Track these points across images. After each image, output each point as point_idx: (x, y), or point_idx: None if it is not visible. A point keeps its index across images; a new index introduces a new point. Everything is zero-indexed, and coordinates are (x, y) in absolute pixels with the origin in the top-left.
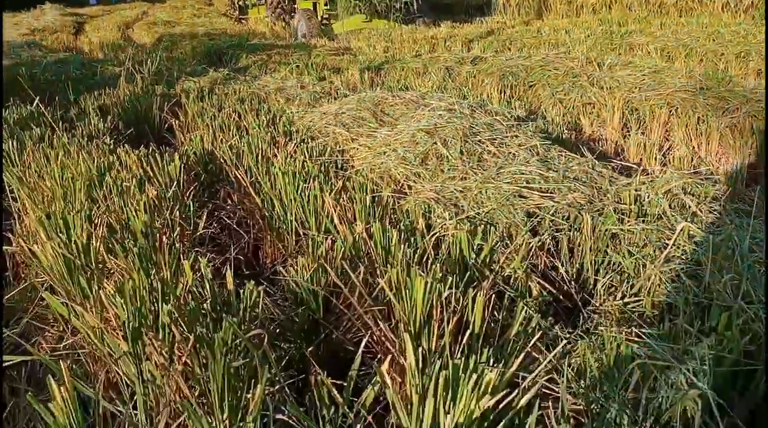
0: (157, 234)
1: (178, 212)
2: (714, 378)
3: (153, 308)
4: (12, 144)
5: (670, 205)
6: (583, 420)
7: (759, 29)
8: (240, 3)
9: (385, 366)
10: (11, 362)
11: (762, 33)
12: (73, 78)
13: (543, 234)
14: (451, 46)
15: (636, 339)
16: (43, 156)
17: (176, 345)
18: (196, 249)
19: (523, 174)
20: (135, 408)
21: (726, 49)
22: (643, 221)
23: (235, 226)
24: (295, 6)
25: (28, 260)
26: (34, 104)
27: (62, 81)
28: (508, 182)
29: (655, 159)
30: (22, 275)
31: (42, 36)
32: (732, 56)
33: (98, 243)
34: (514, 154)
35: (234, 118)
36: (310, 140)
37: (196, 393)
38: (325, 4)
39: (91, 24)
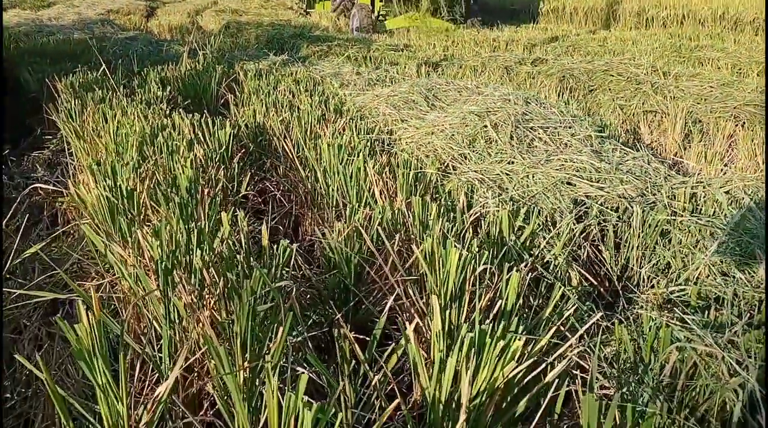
0: (201, 190)
1: (222, 172)
2: (759, 373)
3: (188, 254)
4: (74, 102)
5: (728, 204)
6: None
7: None
8: None
9: (410, 328)
10: (47, 298)
11: None
12: (139, 53)
13: (589, 222)
14: (513, 49)
15: (677, 324)
16: (101, 115)
17: (206, 288)
18: (237, 208)
19: (573, 162)
20: (160, 350)
21: None
22: (698, 218)
23: (279, 196)
24: (355, 1)
25: (78, 213)
26: (100, 71)
27: (129, 56)
28: (557, 169)
29: (716, 168)
30: (72, 231)
31: (115, 16)
32: None
33: (143, 192)
34: (566, 143)
35: (288, 97)
36: (359, 119)
37: (221, 340)
38: (381, 0)
39: (163, 9)
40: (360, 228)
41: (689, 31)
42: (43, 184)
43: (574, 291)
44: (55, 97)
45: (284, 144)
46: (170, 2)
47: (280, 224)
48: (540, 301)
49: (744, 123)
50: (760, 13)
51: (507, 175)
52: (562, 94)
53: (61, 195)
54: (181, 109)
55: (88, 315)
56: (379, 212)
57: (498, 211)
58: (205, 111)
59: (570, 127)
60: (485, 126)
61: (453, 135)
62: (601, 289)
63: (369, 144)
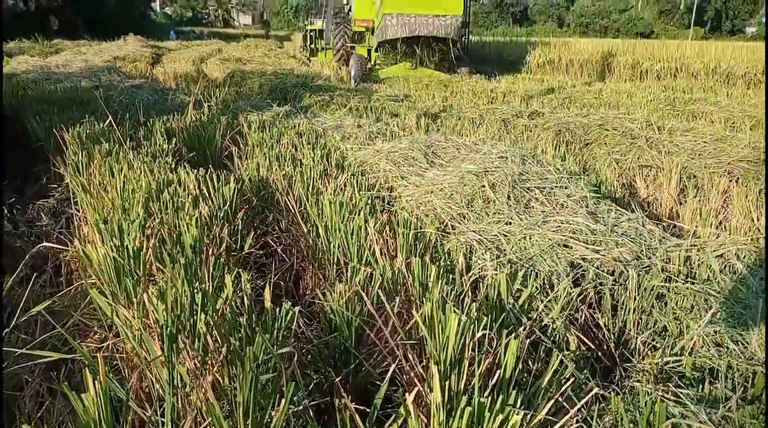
0: (205, 249)
1: (227, 231)
2: None
3: (192, 317)
4: (81, 155)
5: (721, 270)
6: None
7: None
8: (312, 46)
9: (410, 398)
10: (52, 358)
11: None
12: (145, 103)
13: (585, 286)
14: (510, 100)
15: (672, 398)
16: (108, 169)
17: (209, 354)
18: (239, 269)
19: (569, 224)
20: (163, 415)
21: None
22: (692, 283)
23: (280, 252)
24: (354, 51)
25: (82, 266)
26: (107, 122)
27: (135, 105)
28: (554, 231)
29: (711, 226)
30: (75, 281)
31: (122, 64)
32: None
33: (148, 251)
34: (562, 203)
35: (290, 150)
36: (360, 175)
37: (223, 404)
38: (376, 50)
39: (168, 56)
40: (361, 291)
41: (683, 83)
42: (48, 233)
43: (572, 356)
44: (62, 148)
45: (287, 199)
46: (176, 49)
47: (281, 279)
48: (539, 365)
49: (738, 178)
50: (751, 67)
51: (505, 236)
52: (559, 147)
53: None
54: (186, 164)
55: (94, 383)
56: (380, 273)
57: (496, 273)
58: (210, 163)
59: (566, 187)
60: (483, 186)
61: (452, 194)
62: (599, 353)
63: (369, 201)
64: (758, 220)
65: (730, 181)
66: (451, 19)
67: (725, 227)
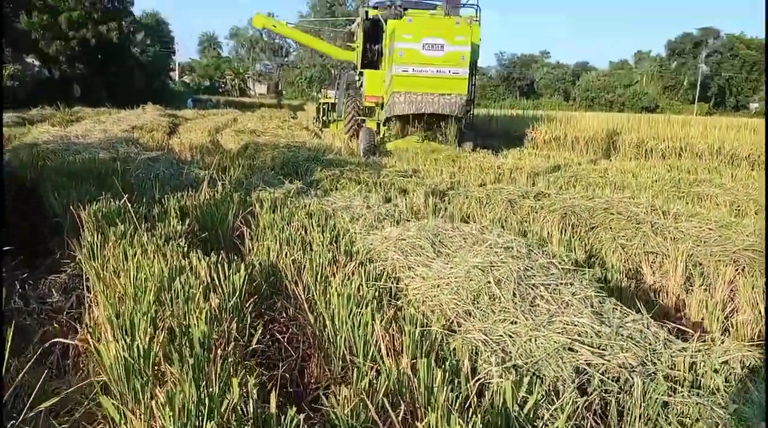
0: (213, 346)
1: (235, 325)
2: None
3: (198, 422)
4: (96, 237)
5: (726, 379)
6: None
7: None
8: (324, 118)
9: None
10: None
11: None
12: (160, 177)
13: (591, 394)
14: (516, 177)
15: None
16: (122, 251)
17: None
18: (247, 361)
19: (575, 325)
20: None
21: None
22: (698, 394)
23: (285, 344)
24: (364, 124)
25: (90, 354)
26: (123, 201)
27: (151, 179)
28: (559, 332)
29: (717, 319)
30: (81, 366)
31: (140, 133)
32: None
33: (158, 348)
34: (567, 302)
35: (300, 233)
36: (368, 262)
37: None
38: (384, 124)
39: (185, 126)
40: (366, 399)
41: (687, 163)
42: (58, 310)
43: None
44: (78, 225)
45: (295, 287)
46: (192, 119)
47: (287, 371)
48: None
49: (744, 267)
50: (755, 149)
51: (510, 336)
52: (565, 230)
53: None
54: (198, 247)
55: None
56: (386, 376)
57: (501, 380)
58: (222, 243)
59: (571, 284)
60: (489, 282)
61: (458, 289)
62: None
63: (377, 293)
64: (765, 313)
65: (736, 270)
66: (456, 97)
67: (732, 323)
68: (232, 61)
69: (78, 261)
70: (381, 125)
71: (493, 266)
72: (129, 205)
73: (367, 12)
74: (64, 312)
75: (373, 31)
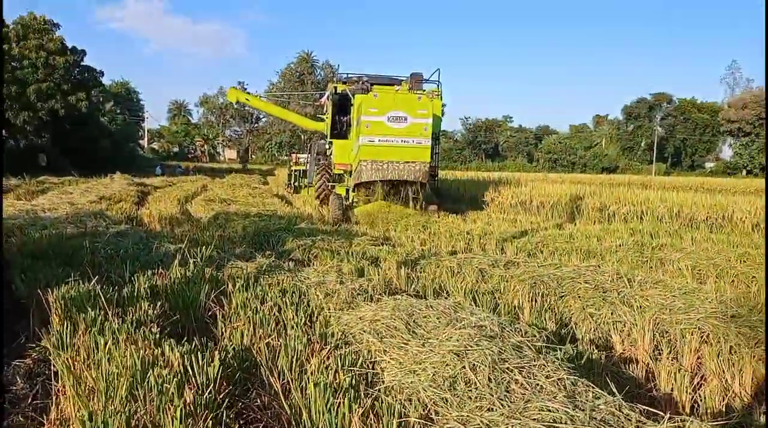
0: None
1: (210, 422)
2: None
3: None
4: (66, 326)
5: None
6: None
7: None
8: (296, 184)
9: None
10: None
11: None
12: (130, 254)
13: None
14: (485, 243)
15: None
16: (92, 340)
17: None
18: None
19: (549, 411)
20: None
21: (757, 273)
22: None
23: None
24: (333, 190)
25: None
26: (92, 283)
27: (120, 255)
28: (535, 419)
29: (686, 390)
30: None
31: (108, 204)
32: (763, 281)
33: None
34: (541, 385)
35: (274, 312)
36: (344, 345)
37: None
38: (353, 190)
39: (154, 195)
40: None
41: (649, 226)
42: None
43: None
44: (45, 308)
45: (270, 375)
46: (161, 187)
47: None
48: None
49: (708, 334)
50: (712, 212)
51: (487, 426)
52: (535, 299)
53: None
54: (170, 335)
55: None
56: None
57: None
58: (194, 325)
59: (544, 366)
60: (464, 367)
61: (434, 376)
62: None
63: (353, 381)
64: (732, 381)
65: (701, 338)
66: (420, 165)
67: (701, 395)
68: (202, 128)
69: (44, 347)
70: (350, 191)
71: (468, 350)
72: (99, 288)
73: (336, 87)
74: (29, 401)
75: (342, 104)
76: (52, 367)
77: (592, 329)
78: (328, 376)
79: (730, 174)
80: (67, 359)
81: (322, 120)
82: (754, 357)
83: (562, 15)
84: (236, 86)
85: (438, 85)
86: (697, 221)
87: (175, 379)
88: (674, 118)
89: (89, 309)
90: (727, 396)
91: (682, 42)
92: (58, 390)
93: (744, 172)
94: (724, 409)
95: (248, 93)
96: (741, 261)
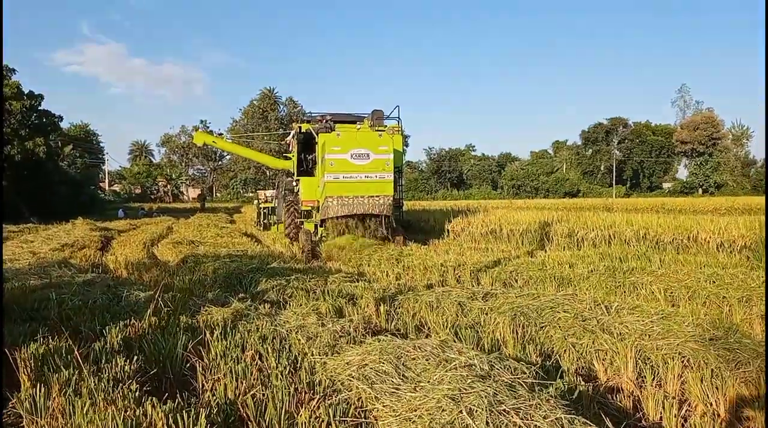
0: None
1: None
2: None
3: None
4: (39, 388)
5: None
6: None
7: (756, 273)
8: (265, 221)
9: None
10: None
11: (759, 277)
12: (99, 304)
13: None
14: (459, 274)
15: None
16: (68, 403)
17: None
18: None
19: None
20: None
21: (727, 293)
22: None
23: None
24: (303, 226)
25: None
26: (63, 339)
27: (89, 306)
28: None
29: (675, 416)
30: None
31: (71, 251)
32: (734, 300)
33: None
34: (539, 427)
35: (256, 361)
36: (333, 394)
37: None
38: (321, 225)
39: (118, 240)
40: None
41: (617, 250)
42: None
43: None
44: (13, 369)
45: None
46: (125, 231)
47: None
48: None
49: (690, 359)
50: (677, 233)
51: None
52: (516, 331)
53: None
54: (149, 393)
55: None
56: None
57: None
58: (173, 379)
59: (539, 406)
60: (461, 411)
61: (431, 422)
62: None
63: None
64: (717, 405)
65: (683, 362)
66: (384, 198)
67: (690, 424)
68: (164, 168)
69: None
70: (318, 226)
71: (463, 392)
72: (71, 343)
73: (300, 127)
74: None
75: (307, 143)
76: None
77: (576, 359)
78: None
79: (687, 193)
80: (43, 425)
81: (288, 158)
82: (736, 379)
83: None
84: (198, 125)
85: (398, 121)
86: (663, 243)
87: None
88: (630, 141)
89: (62, 368)
90: (714, 422)
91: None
92: None
93: (700, 191)
94: None
95: (215, 135)
96: (710, 281)
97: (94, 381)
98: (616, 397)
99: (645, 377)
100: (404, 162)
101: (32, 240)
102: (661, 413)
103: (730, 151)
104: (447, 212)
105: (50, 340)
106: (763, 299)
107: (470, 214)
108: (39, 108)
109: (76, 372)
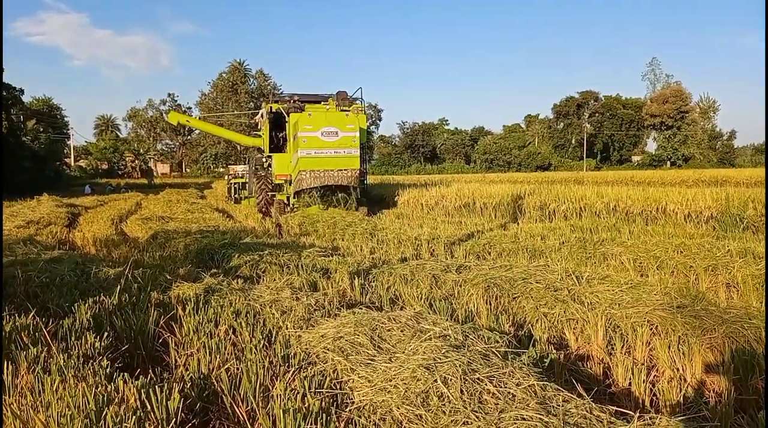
0: None
1: None
2: None
3: None
4: (6, 366)
5: None
6: None
7: (721, 243)
8: (236, 195)
9: None
10: None
11: (725, 246)
12: (67, 281)
13: None
14: (433, 248)
15: None
16: (38, 382)
17: None
18: None
19: (524, 419)
20: None
21: (694, 262)
22: None
23: None
24: (275, 198)
25: None
26: (30, 316)
27: (56, 284)
28: None
29: (644, 383)
30: None
31: (37, 228)
32: (701, 270)
33: None
34: (513, 394)
35: (230, 336)
36: (308, 366)
37: None
38: (294, 197)
39: (86, 216)
40: None
41: (588, 222)
42: None
43: None
44: None
45: (232, 403)
46: (92, 207)
47: None
48: None
49: (658, 326)
50: (646, 205)
51: None
52: (490, 302)
53: None
54: (121, 368)
55: None
56: None
57: None
58: (144, 353)
59: (512, 373)
60: (435, 380)
61: (406, 392)
62: None
63: (323, 404)
64: (684, 370)
65: (651, 330)
66: (351, 171)
67: (659, 389)
68: (132, 142)
69: None
70: (290, 198)
71: (437, 362)
72: (39, 321)
73: (271, 107)
74: None
75: (277, 122)
76: None
77: (547, 328)
78: (296, 400)
79: (656, 166)
80: (11, 403)
81: (259, 135)
82: (702, 345)
83: (489, 17)
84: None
85: (361, 102)
86: (633, 214)
87: (134, 416)
88: (601, 114)
89: (30, 345)
90: (681, 386)
91: (605, 40)
92: None
93: (669, 164)
94: (681, 400)
95: (188, 115)
96: (678, 251)
97: (63, 358)
98: (587, 364)
99: (615, 344)
100: (377, 136)
101: None
102: (630, 379)
103: (698, 124)
104: (421, 186)
105: (17, 318)
106: (728, 268)
107: (444, 187)
108: None
109: (45, 350)
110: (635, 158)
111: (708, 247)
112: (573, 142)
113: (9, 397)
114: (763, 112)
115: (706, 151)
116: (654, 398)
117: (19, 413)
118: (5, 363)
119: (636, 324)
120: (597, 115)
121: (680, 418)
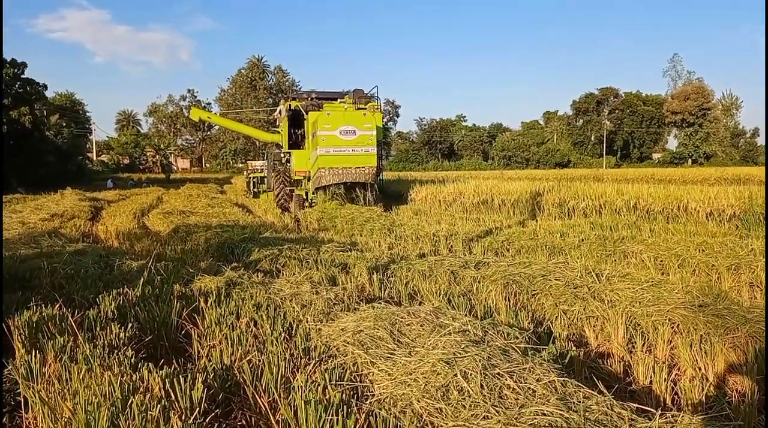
0: None
1: None
2: None
3: None
4: (34, 354)
5: None
6: None
7: (744, 241)
8: (255, 190)
9: None
10: None
11: (748, 245)
12: (91, 273)
13: None
14: (452, 244)
15: None
16: (65, 369)
17: None
18: None
19: (545, 415)
20: None
21: (716, 261)
22: None
23: None
24: (294, 193)
25: None
26: (57, 306)
27: (81, 276)
28: (531, 425)
29: (665, 380)
30: None
31: (61, 221)
32: (723, 268)
33: None
34: (533, 390)
35: (251, 328)
36: (328, 359)
37: None
38: (313, 193)
39: (108, 210)
40: None
41: (608, 220)
42: None
43: None
44: (6, 337)
45: (255, 393)
46: (115, 201)
47: None
48: None
49: (679, 325)
50: (667, 203)
51: None
52: (509, 298)
53: None
54: (145, 359)
55: None
56: None
57: None
58: (167, 344)
59: (533, 369)
60: (455, 374)
61: (426, 386)
62: None
63: (344, 396)
64: (706, 370)
65: (672, 329)
66: (368, 169)
67: (681, 388)
68: (152, 138)
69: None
70: (309, 193)
71: (457, 356)
72: (66, 311)
73: (290, 104)
74: None
75: (296, 119)
76: (21, 398)
77: (567, 325)
78: (317, 392)
79: (677, 163)
80: (39, 391)
81: (277, 132)
82: (725, 344)
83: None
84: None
85: (377, 100)
86: (653, 212)
87: (158, 405)
88: (621, 111)
89: (57, 335)
90: (703, 385)
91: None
92: (29, 422)
93: (690, 161)
94: (703, 399)
95: (208, 112)
96: (700, 250)
97: (89, 348)
98: (607, 362)
99: (635, 343)
100: (395, 133)
101: (21, 211)
102: (651, 377)
103: (720, 121)
104: (438, 182)
105: (43, 308)
106: (751, 267)
107: (461, 183)
108: (22, 76)
109: (71, 339)
110: (656, 156)
111: (730, 246)
112: (592, 139)
113: (37, 385)
114: None
115: (728, 149)
116: (675, 396)
117: (47, 400)
118: (34, 351)
119: (657, 323)
120: (617, 111)
121: (702, 417)
